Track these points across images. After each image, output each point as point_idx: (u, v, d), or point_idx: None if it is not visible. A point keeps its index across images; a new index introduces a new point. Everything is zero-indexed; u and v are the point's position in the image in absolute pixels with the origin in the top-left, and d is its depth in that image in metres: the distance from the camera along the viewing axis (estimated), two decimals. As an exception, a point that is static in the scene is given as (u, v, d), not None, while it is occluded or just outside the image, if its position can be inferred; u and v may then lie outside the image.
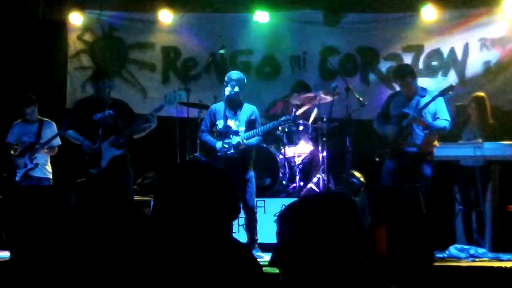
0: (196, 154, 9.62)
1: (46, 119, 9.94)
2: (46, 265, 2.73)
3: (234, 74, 8.94)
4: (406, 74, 9.05)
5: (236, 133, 8.80)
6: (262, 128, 8.88)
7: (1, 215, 9.22)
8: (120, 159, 8.79)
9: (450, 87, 8.76)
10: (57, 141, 9.81)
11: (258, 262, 2.69)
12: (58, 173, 9.99)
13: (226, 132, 8.81)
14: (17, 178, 9.57)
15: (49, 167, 9.90)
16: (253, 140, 8.81)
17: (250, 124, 8.87)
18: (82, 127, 8.86)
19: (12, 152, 9.76)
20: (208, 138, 8.90)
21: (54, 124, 9.85)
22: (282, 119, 9.01)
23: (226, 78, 8.84)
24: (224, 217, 2.70)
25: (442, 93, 8.71)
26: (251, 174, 8.59)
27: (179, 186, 2.66)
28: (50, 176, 9.88)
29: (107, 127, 8.67)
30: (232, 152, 8.67)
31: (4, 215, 9.13)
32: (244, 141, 8.72)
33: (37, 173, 9.68)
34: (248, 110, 8.97)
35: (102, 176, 8.73)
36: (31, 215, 8.06)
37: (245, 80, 8.99)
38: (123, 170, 8.84)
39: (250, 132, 8.76)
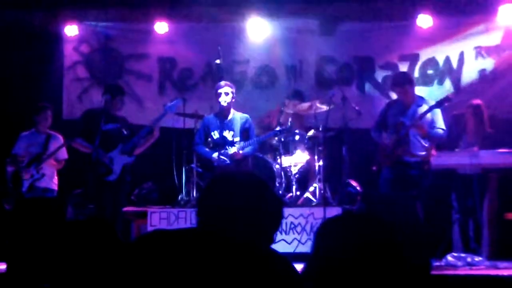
0: (192, 165, 9.63)
1: (53, 132, 9.97)
2: (43, 278, 2.72)
3: (225, 83, 9.04)
4: (404, 82, 9.05)
5: (232, 143, 8.85)
6: (258, 138, 8.93)
7: (6, 226, 9.24)
8: (129, 167, 9.08)
9: (447, 99, 8.76)
10: (64, 154, 9.88)
11: (298, 273, 2.66)
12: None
13: (222, 143, 8.86)
14: (23, 189, 9.59)
15: (55, 179, 9.93)
16: (248, 150, 8.88)
17: (245, 133, 8.94)
18: (89, 137, 8.98)
19: (19, 163, 9.78)
20: (203, 150, 9.02)
21: (61, 137, 9.89)
22: (278, 129, 9.10)
23: (216, 89, 8.96)
24: (268, 227, 2.68)
25: (439, 104, 8.71)
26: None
27: (224, 196, 2.64)
28: (55, 188, 9.90)
29: (114, 138, 8.92)
30: (228, 163, 8.72)
31: (9, 226, 9.15)
32: (240, 151, 8.77)
33: (42, 184, 9.70)
34: (241, 119, 9.05)
35: (118, 182, 9.00)
36: (33, 227, 8.07)
37: (234, 90, 9.10)
38: (130, 177, 9.18)
39: (246, 143, 8.81)
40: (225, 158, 8.93)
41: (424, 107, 8.79)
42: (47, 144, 9.83)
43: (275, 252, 2.69)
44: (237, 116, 9.12)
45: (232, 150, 8.79)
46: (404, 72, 10.31)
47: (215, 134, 9.02)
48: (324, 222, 2.43)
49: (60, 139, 9.90)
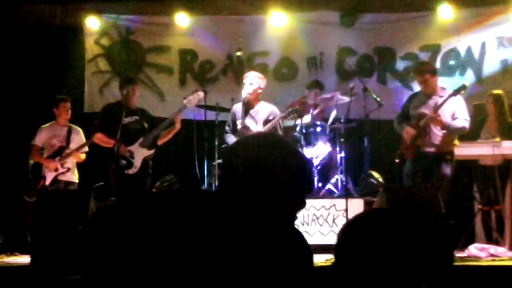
0: (217, 162, 9.57)
1: (73, 125, 10.02)
2: (66, 271, 2.73)
3: (252, 74, 9.05)
4: (424, 71, 9.01)
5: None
6: (274, 120, 8.98)
7: (29, 217, 9.30)
8: (150, 160, 9.20)
9: (463, 87, 8.71)
10: (85, 148, 9.91)
11: (311, 253, 2.52)
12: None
13: (245, 133, 8.88)
14: (46, 182, 9.64)
15: (76, 172, 9.99)
16: None
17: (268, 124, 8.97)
18: (109, 131, 9.06)
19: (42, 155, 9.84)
20: (230, 139, 9.05)
21: (81, 131, 9.96)
22: (288, 110, 9.14)
23: (243, 79, 8.99)
24: (291, 201, 2.45)
25: (455, 93, 8.66)
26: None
27: (250, 159, 2.41)
28: (77, 180, 9.97)
29: (134, 131, 9.02)
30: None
31: (31, 218, 9.21)
32: None
33: (65, 177, 9.75)
34: (266, 109, 9.06)
35: (140, 175, 9.12)
36: (56, 219, 8.14)
37: (263, 80, 9.10)
38: (150, 170, 9.29)
39: (267, 126, 8.87)
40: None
41: (446, 98, 8.77)
42: (69, 137, 9.87)
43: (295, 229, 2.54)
44: (263, 107, 9.13)
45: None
46: (426, 61, 10.28)
47: (240, 123, 9.05)
48: (349, 221, 2.38)
49: (80, 132, 9.97)
